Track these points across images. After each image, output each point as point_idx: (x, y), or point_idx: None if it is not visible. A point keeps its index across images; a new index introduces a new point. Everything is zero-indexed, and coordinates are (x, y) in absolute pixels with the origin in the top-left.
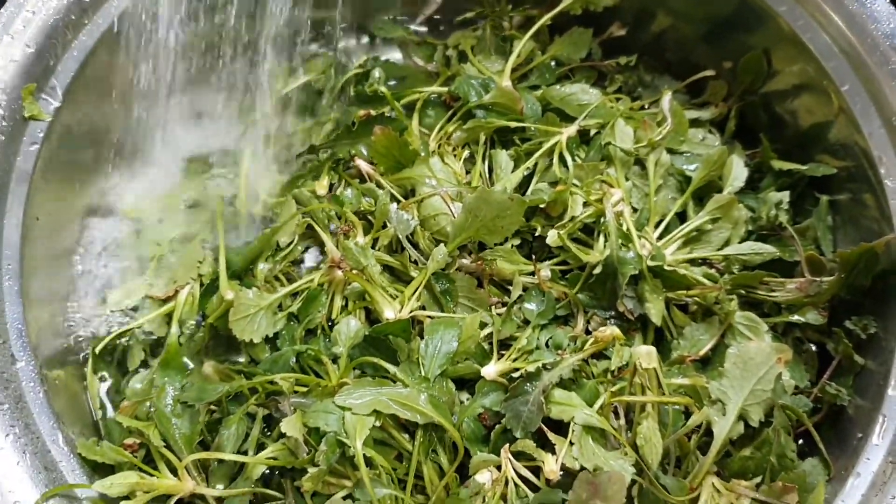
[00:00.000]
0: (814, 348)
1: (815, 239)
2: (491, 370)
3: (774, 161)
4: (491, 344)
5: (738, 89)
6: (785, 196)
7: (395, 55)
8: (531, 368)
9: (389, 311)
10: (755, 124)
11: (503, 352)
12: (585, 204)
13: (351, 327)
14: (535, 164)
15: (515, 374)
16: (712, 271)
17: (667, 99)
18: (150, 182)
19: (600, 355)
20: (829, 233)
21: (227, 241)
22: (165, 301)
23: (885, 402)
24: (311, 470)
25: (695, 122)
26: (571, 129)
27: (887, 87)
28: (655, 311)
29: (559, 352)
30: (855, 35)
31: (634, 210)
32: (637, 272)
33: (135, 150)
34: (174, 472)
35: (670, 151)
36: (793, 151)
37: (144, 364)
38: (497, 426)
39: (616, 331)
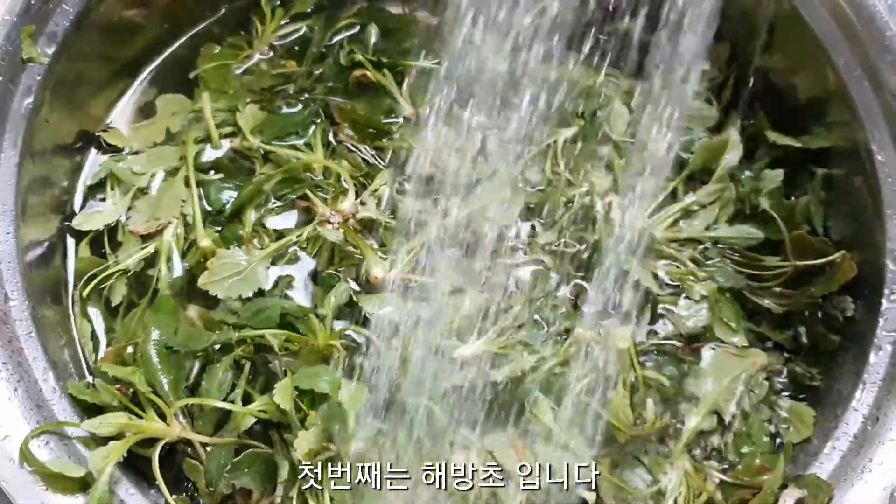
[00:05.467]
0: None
1: (808, 214)
2: (466, 352)
3: (770, 133)
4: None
5: (740, 58)
6: (778, 176)
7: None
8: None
9: (379, 271)
10: (752, 93)
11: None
12: (569, 203)
13: (338, 288)
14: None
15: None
16: (697, 252)
17: None
18: (139, 115)
19: None
20: (821, 208)
21: (209, 180)
22: (145, 237)
23: (866, 369)
24: (302, 433)
25: None
26: (568, 133)
27: (881, 61)
28: (627, 303)
29: (546, 330)
30: (851, 9)
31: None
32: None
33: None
34: (162, 417)
35: None
36: (789, 123)
37: (129, 303)
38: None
39: (593, 335)
